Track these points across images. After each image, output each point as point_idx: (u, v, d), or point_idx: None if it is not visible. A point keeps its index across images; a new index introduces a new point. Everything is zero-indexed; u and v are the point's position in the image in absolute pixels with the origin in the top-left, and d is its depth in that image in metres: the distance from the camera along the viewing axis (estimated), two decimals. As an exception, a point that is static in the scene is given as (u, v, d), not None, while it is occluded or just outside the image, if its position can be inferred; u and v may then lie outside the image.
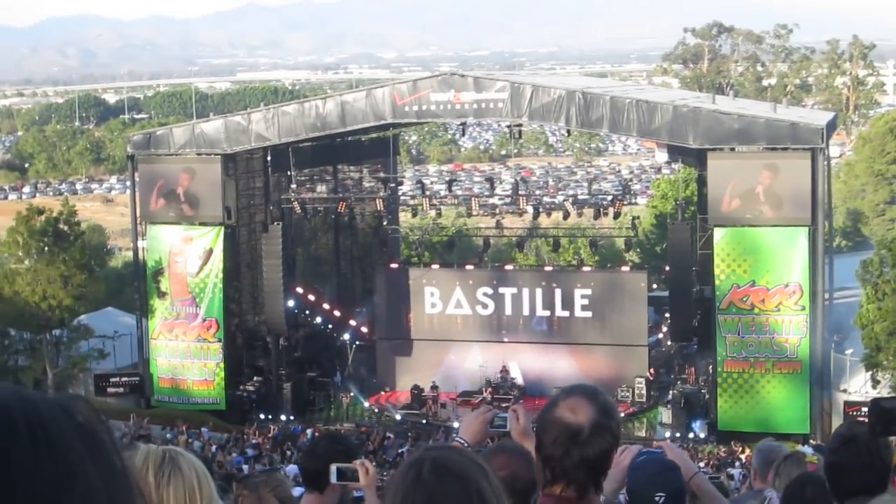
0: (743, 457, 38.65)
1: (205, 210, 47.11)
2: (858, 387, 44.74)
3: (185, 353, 47.77)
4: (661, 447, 5.64)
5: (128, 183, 53.13)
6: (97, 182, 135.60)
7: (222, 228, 47.05)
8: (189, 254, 47.39)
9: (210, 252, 47.16)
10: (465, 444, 5.50)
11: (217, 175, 46.85)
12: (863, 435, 5.40)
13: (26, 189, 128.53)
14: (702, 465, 36.57)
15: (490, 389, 46.79)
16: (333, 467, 5.89)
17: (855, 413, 39.22)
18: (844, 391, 44.65)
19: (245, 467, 35.65)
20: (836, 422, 39.81)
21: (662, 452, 5.56)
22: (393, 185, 53.66)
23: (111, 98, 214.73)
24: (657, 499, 5.15)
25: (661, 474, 5.28)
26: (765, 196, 42.10)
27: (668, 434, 43.54)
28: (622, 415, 45.99)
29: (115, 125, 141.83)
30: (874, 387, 43.91)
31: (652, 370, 48.93)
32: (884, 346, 42.74)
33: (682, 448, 6.82)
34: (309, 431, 43.12)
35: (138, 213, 48.49)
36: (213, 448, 38.91)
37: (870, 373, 43.98)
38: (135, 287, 50.33)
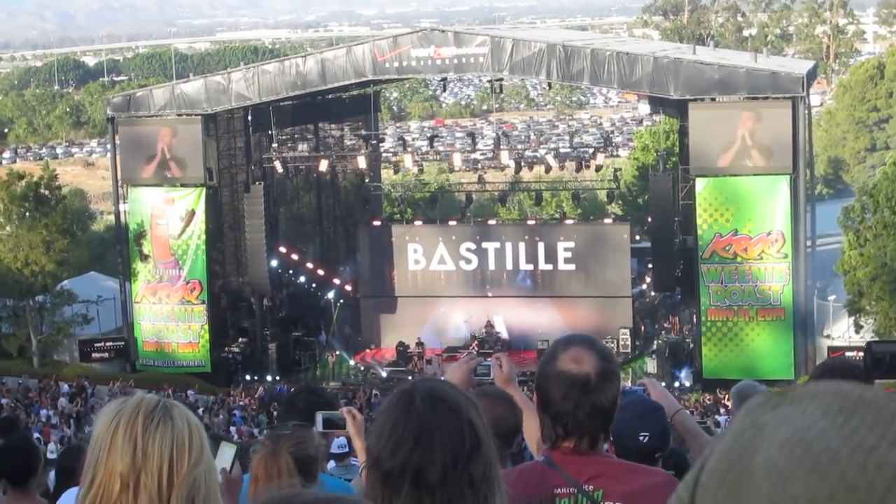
0: (729, 404, 38.84)
1: (186, 171, 46.98)
2: (842, 332, 44.99)
3: (169, 315, 47.71)
4: (644, 384, 5.66)
5: (108, 146, 52.78)
6: (78, 146, 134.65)
7: (204, 189, 46.94)
8: (171, 216, 47.25)
9: (192, 213, 47.03)
10: None
11: (198, 136, 46.69)
12: (840, 367, 5.49)
13: (6, 154, 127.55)
14: (687, 412, 36.78)
15: (475, 344, 46.83)
16: (319, 415, 5.81)
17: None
18: (828, 337, 44.93)
19: (232, 428, 35.77)
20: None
21: (645, 390, 5.57)
22: (374, 142, 53.51)
23: (90, 61, 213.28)
24: (641, 438, 5.17)
25: (646, 415, 5.30)
26: (752, 140, 42.18)
27: (653, 385, 43.65)
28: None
29: (95, 88, 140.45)
30: (857, 332, 44.18)
31: (639, 321, 49.12)
32: (866, 291, 42.96)
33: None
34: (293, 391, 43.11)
35: (120, 176, 48.28)
36: (200, 410, 38.92)
37: (853, 318, 44.24)
38: (117, 251, 50.19)
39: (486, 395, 5.19)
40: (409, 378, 44.31)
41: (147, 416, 3.11)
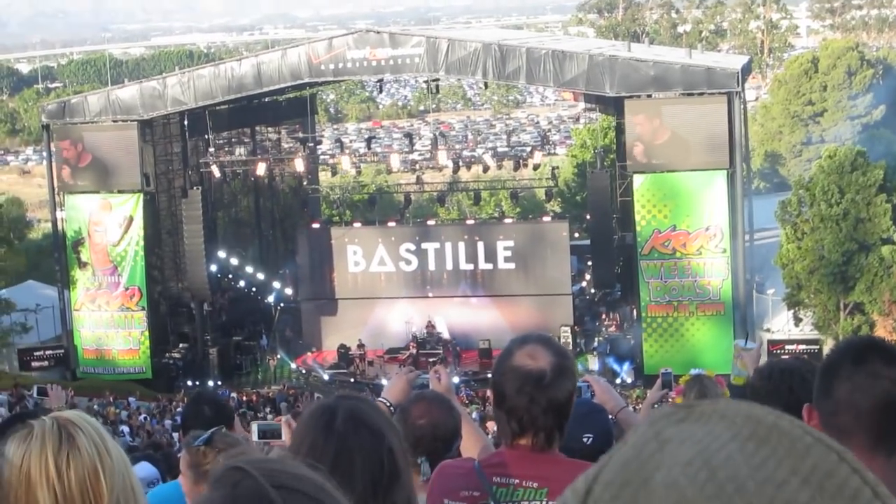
0: (670, 399, 38.97)
1: (123, 177, 46.68)
2: (781, 325, 45.33)
3: (108, 322, 47.40)
4: (588, 381, 5.66)
5: (44, 154, 52.36)
6: (13, 154, 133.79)
7: (141, 195, 46.66)
8: (109, 222, 46.95)
9: (130, 220, 46.76)
10: (389, 405, 5.51)
11: (134, 141, 46.40)
12: (779, 364, 5.54)
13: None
14: (630, 409, 36.91)
15: (415, 345, 46.79)
16: (255, 426, 5.83)
17: (779, 351, 39.74)
18: (768, 330, 45.24)
19: (175, 434, 35.50)
20: (761, 361, 40.24)
21: (589, 386, 5.58)
22: (312, 144, 53.29)
23: (24, 68, 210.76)
24: (585, 440, 5.17)
25: (589, 416, 5.31)
26: (688, 136, 42.40)
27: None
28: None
29: (30, 95, 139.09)
30: (797, 324, 44.57)
31: (580, 318, 49.21)
32: (804, 284, 43.32)
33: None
34: (235, 396, 42.93)
35: (56, 184, 47.95)
36: (142, 416, 38.67)
37: (792, 311, 44.59)
38: (55, 258, 49.76)
39: (424, 398, 5.19)
40: (352, 381, 44.26)
41: (57, 455, 2.90)
